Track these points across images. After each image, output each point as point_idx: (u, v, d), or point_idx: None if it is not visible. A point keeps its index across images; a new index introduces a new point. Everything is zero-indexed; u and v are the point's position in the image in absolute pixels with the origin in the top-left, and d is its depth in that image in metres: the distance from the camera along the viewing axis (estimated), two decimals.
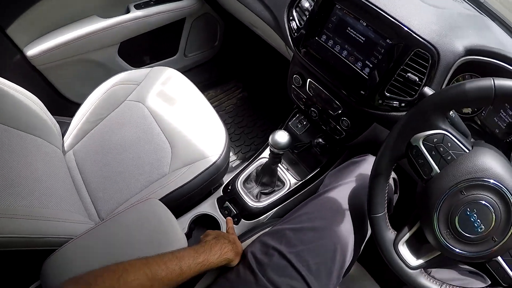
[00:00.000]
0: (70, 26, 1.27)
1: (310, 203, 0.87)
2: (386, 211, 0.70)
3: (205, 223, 1.18)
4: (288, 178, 1.23)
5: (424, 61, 0.80)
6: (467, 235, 0.60)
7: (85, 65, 1.39)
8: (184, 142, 1.10)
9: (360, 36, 0.89)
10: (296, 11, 1.02)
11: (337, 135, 1.12)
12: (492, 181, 0.57)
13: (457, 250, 0.61)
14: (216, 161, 1.06)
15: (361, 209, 0.83)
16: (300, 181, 1.22)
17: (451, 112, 0.63)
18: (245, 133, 1.74)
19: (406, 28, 0.80)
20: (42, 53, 1.22)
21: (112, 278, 0.57)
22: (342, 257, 0.78)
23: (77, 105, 1.22)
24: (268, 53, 1.45)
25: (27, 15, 1.16)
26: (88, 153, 1.14)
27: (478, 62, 0.79)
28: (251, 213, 1.16)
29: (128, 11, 1.38)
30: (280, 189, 1.21)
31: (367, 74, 0.89)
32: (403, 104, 0.86)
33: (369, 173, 0.70)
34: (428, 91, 0.63)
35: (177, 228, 0.86)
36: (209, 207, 1.19)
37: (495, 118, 0.82)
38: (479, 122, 0.86)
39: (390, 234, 0.70)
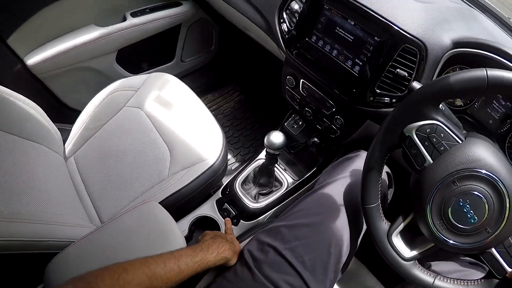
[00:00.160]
0: (69, 35, 1.29)
1: (304, 200, 0.87)
2: (379, 202, 0.70)
3: (205, 225, 1.19)
4: (286, 178, 1.25)
5: (413, 56, 0.81)
6: (460, 226, 0.59)
7: (84, 73, 1.41)
8: (182, 146, 1.12)
9: (348, 35, 0.90)
10: (286, 14, 1.04)
11: (332, 134, 1.13)
12: (484, 171, 0.57)
13: (451, 241, 0.61)
14: (214, 163, 1.07)
15: (356, 203, 0.83)
16: (298, 180, 1.23)
17: (441, 106, 0.63)
18: (244, 135, 1.76)
19: (392, 25, 0.81)
20: (42, 62, 1.24)
21: (111, 277, 0.58)
22: (338, 252, 0.79)
23: (77, 112, 1.24)
24: (263, 55, 1.47)
25: (27, 26, 1.19)
26: (89, 158, 1.16)
27: (467, 54, 0.80)
28: (250, 214, 1.17)
29: (124, 19, 1.39)
30: (278, 189, 1.22)
31: (357, 72, 0.90)
32: (394, 100, 0.87)
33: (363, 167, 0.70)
34: (416, 85, 0.64)
35: (177, 230, 0.87)
36: (208, 209, 1.20)
37: (488, 109, 0.82)
38: (472, 114, 0.86)
39: (384, 225, 0.69)
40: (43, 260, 0.81)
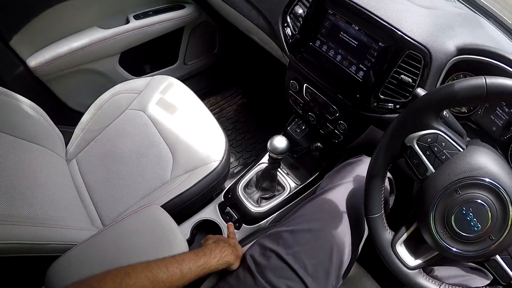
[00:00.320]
0: (71, 37, 1.29)
1: (306, 205, 0.87)
2: (383, 211, 0.70)
3: (207, 228, 1.19)
4: (288, 182, 1.24)
5: (417, 63, 0.81)
6: (464, 234, 0.59)
7: (87, 75, 1.41)
8: (185, 149, 1.12)
9: (353, 40, 0.90)
10: (290, 18, 1.04)
11: (335, 139, 1.12)
12: (487, 179, 0.57)
13: (455, 249, 0.61)
14: (217, 167, 1.07)
15: (357, 209, 0.84)
16: (300, 185, 1.23)
17: (444, 112, 0.63)
18: (246, 138, 1.76)
19: (397, 30, 0.81)
20: (44, 64, 1.24)
21: (114, 281, 0.58)
22: (339, 257, 0.79)
23: (79, 114, 1.24)
24: (266, 59, 1.47)
25: (30, 28, 1.19)
26: (91, 161, 1.16)
27: (471, 61, 0.80)
28: (252, 218, 1.17)
29: (127, 22, 1.39)
30: (280, 193, 1.22)
31: (361, 77, 0.90)
32: (398, 106, 0.87)
33: (365, 173, 0.70)
34: (420, 92, 0.64)
35: (179, 234, 0.87)
36: (210, 212, 1.20)
37: (491, 116, 0.82)
38: (475, 121, 0.86)
39: (388, 234, 0.70)
40: (45, 263, 0.80)
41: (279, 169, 1.21)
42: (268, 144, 1.01)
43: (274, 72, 1.46)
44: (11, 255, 0.78)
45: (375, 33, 0.86)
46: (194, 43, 1.68)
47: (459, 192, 0.59)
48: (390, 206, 0.97)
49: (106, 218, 1.06)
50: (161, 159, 1.11)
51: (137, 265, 0.63)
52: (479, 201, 0.58)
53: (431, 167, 0.62)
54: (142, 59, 1.59)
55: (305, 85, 1.11)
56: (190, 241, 1.14)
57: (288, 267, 0.76)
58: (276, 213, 1.18)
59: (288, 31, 1.04)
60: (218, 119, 1.19)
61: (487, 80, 0.54)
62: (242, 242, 0.99)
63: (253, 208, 1.17)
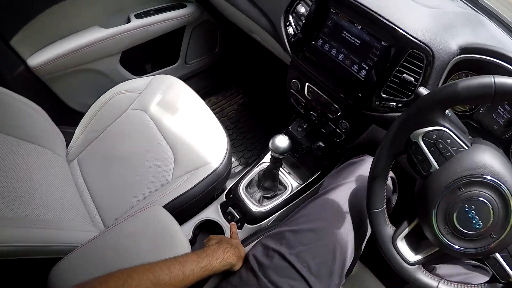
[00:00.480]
0: (72, 36, 1.28)
1: (309, 204, 0.87)
2: (385, 206, 0.71)
3: (209, 228, 1.18)
4: (290, 181, 1.24)
5: (419, 62, 0.81)
6: (465, 231, 0.60)
7: (87, 75, 1.40)
8: (186, 149, 1.11)
9: (355, 39, 0.90)
10: (292, 17, 1.03)
11: (337, 138, 1.12)
12: (489, 177, 0.58)
13: (455, 246, 0.61)
14: (218, 167, 1.07)
15: (360, 208, 0.84)
16: (302, 184, 1.23)
17: (447, 111, 0.63)
18: (247, 138, 1.75)
19: (399, 30, 0.81)
20: (45, 64, 1.23)
21: (116, 283, 0.58)
22: (343, 257, 0.79)
23: (80, 115, 1.24)
24: (267, 58, 1.47)
25: (30, 27, 1.18)
26: (93, 162, 1.16)
27: (474, 60, 0.80)
28: (254, 218, 1.16)
29: (128, 21, 1.39)
30: (282, 193, 1.22)
31: (363, 76, 0.90)
32: (400, 105, 0.87)
33: (367, 173, 0.70)
34: (423, 91, 0.64)
35: (181, 234, 0.87)
36: (212, 212, 1.19)
37: (493, 115, 0.82)
38: (477, 120, 0.86)
39: (389, 229, 0.70)
40: (47, 265, 0.80)
41: (280, 169, 1.20)
42: (270, 143, 1.01)
43: (275, 72, 1.46)
44: (13, 257, 0.77)
45: (378, 32, 0.85)
46: (195, 43, 1.67)
47: (462, 190, 0.59)
48: (393, 205, 0.97)
49: (107, 219, 1.06)
50: (163, 159, 1.11)
51: (140, 267, 0.63)
52: (481, 199, 0.58)
53: (435, 163, 0.62)
54: (143, 58, 1.59)
55: (306, 84, 1.11)
56: (192, 242, 1.14)
57: (291, 267, 0.76)
58: (278, 212, 1.18)
59: (290, 30, 1.03)
60: (219, 119, 1.19)
61: (496, 80, 0.54)
62: (245, 242, 0.99)
63: (255, 207, 1.17)
